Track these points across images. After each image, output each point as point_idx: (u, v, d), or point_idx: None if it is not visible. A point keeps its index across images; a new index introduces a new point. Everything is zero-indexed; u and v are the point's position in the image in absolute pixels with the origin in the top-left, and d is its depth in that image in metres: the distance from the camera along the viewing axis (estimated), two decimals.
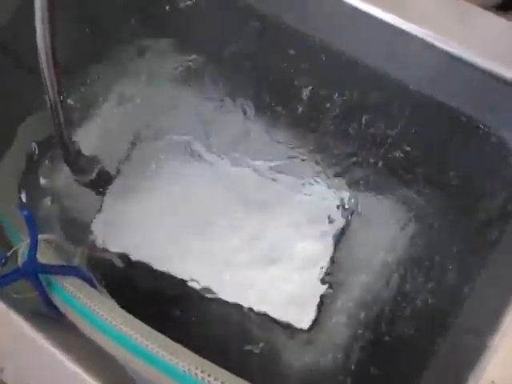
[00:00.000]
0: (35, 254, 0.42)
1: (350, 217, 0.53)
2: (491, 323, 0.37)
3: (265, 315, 0.50)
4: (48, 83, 0.43)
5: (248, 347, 0.51)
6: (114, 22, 0.67)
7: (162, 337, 0.38)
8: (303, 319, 0.48)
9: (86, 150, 0.53)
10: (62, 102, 0.44)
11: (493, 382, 0.34)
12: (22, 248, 0.43)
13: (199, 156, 0.57)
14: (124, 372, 0.41)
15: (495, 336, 0.36)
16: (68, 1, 0.60)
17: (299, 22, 0.56)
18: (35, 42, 0.41)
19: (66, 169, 0.52)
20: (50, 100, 0.44)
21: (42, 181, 0.62)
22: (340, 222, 0.52)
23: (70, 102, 0.61)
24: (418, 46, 0.47)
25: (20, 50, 0.59)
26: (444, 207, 0.53)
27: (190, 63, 0.64)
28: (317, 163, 0.57)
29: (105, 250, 0.52)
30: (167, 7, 0.64)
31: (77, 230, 0.57)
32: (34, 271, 0.41)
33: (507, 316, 0.36)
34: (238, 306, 0.50)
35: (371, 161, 0.56)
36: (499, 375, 0.34)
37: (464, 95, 0.51)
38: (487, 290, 0.46)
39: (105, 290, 0.48)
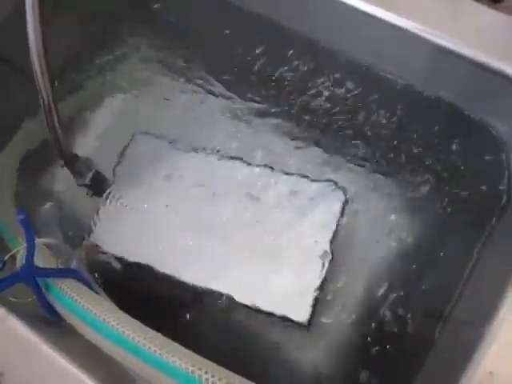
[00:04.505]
0: (32, 257, 0.42)
1: (345, 209, 0.53)
2: (488, 315, 0.37)
3: (264, 311, 0.50)
4: (41, 85, 0.43)
5: (247, 344, 0.52)
6: (109, 23, 0.68)
7: (160, 337, 0.38)
8: (302, 313, 0.48)
9: (82, 153, 0.53)
10: (55, 103, 0.44)
11: (491, 372, 0.34)
12: (20, 252, 0.44)
13: (197, 156, 0.57)
14: (125, 374, 0.41)
15: (492, 327, 0.36)
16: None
17: (289, 20, 0.57)
18: (27, 44, 0.41)
19: (64, 171, 0.53)
20: (44, 102, 0.44)
21: (40, 184, 0.62)
22: (337, 216, 0.52)
23: (64, 104, 0.61)
24: (409, 40, 0.47)
25: (12, 53, 0.59)
26: (440, 198, 0.53)
27: (189, 67, 0.64)
28: (314, 157, 0.57)
29: (103, 252, 0.52)
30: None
31: (75, 232, 0.57)
32: (31, 275, 0.41)
33: (503, 307, 0.37)
34: (237, 304, 0.50)
35: (367, 154, 0.57)
36: (497, 366, 0.34)
37: (455, 87, 0.51)
38: (483, 282, 0.46)
39: (103, 292, 0.48)
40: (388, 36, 0.50)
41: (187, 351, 0.36)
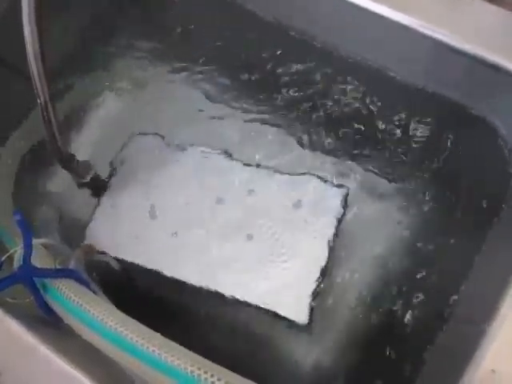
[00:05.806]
0: (29, 257, 0.42)
1: (347, 209, 0.53)
2: (489, 312, 0.37)
3: (263, 312, 0.49)
4: (38, 86, 0.43)
5: (246, 344, 0.51)
6: (106, 22, 0.68)
7: (159, 336, 0.38)
8: (302, 313, 0.48)
9: (79, 153, 0.53)
10: (52, 103, 0.44)
11: (492, 370, 0.34)
12: (18, 252, 0.43)
13: (196, 156, 0.57)
14: (123, 374, 0.41)
15: (494, 325, 0.36)
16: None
17: (288, 18, 0.56)
18: (23, 43, 0.41)
19: (62, 172, 0.52)
20: (41, 102, 0.44)
21: (38, 185, 0.62)
22: (338, 215, 0.52)
23: (61, 104, 0.61)
24: (410, 37, 0.47)
25: (8, 54, 0.59)
26: (440, 197, 0.53)
27: (186, 68, 0.64)
28: (314, 158, 0.57)
29: (101, 253, 0.52)
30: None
31: (73, 232, 0.57)
32: (29, 275, 0.41)
33: (504, 305, 0.36)
34: (236, 304, 0.50)
35: (368, 154, 0.56)
36: (499, 364, 0.34)
37: (457, 85, 0.51)
38: (484, 280, 0.46)
39: (101, 292, 0.48)
40: (389, 33, 0.50)
41: (186, 351, 0.36)
